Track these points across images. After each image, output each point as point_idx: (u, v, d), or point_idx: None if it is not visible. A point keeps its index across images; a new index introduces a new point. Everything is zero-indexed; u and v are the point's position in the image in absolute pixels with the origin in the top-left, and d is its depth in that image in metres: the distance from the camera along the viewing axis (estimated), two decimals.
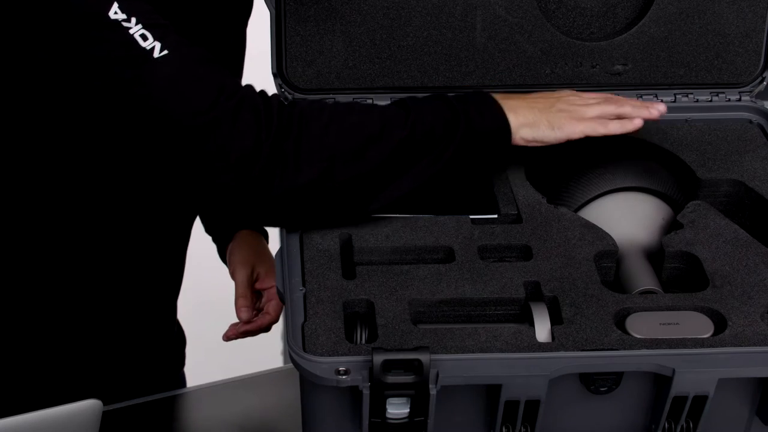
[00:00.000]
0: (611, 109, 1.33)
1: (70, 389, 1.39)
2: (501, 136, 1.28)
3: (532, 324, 1.16)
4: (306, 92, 1.41)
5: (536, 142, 1.30)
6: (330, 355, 1.10)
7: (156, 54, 1.17)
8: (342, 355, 1.11)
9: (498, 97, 1.30)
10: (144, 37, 1.17)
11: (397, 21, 1.41)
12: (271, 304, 1.55)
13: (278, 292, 1.20)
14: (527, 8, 1.42)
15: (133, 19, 1.17)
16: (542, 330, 1.15)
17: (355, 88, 1.43)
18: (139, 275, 1.41)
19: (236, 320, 1.55)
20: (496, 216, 1.30)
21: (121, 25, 1.16)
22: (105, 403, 1.10)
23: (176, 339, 1.61)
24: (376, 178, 1.23)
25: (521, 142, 1.30)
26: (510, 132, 1.28)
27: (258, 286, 1.57)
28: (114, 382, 1.44)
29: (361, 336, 1.15)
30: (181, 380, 1.64)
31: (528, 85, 1.45)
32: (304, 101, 1.30)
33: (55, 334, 1.37)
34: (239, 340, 1.55)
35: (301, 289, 1.18)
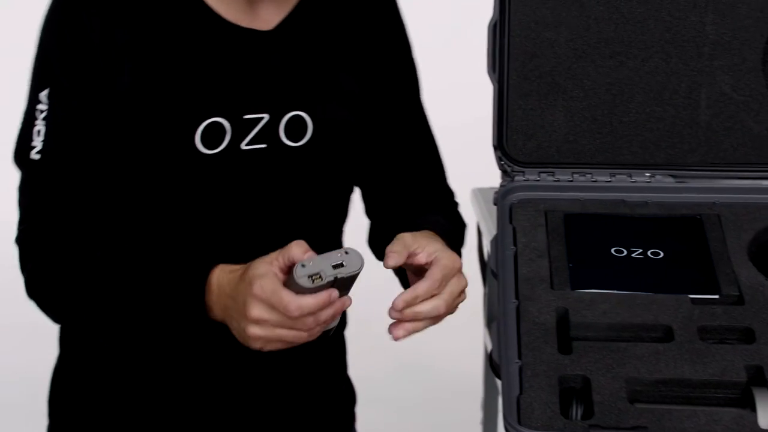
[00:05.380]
0: None
1: None
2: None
3: (753, 409, 1.13)
4: (525, 165, 1.43)
5: None
6: (545, 430, 1.10)
7: None
8: (557, 430, 1.11)
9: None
10: None
11: (620, 97, 1.42)
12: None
13: (492, 363, 1.21)
14: (754, 86, 1.40)
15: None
16: (765, 416, 1.12)
17: (575, 162, 1.43)
18: None
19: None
20: (717, 296, 1.27)
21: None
22: None
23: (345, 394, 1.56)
24: None
25: None
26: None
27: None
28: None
29: (577, 412, 1.15)
30: None
31: (754, 164, 1.42)
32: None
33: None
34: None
35: (517, 362, 1.19)
